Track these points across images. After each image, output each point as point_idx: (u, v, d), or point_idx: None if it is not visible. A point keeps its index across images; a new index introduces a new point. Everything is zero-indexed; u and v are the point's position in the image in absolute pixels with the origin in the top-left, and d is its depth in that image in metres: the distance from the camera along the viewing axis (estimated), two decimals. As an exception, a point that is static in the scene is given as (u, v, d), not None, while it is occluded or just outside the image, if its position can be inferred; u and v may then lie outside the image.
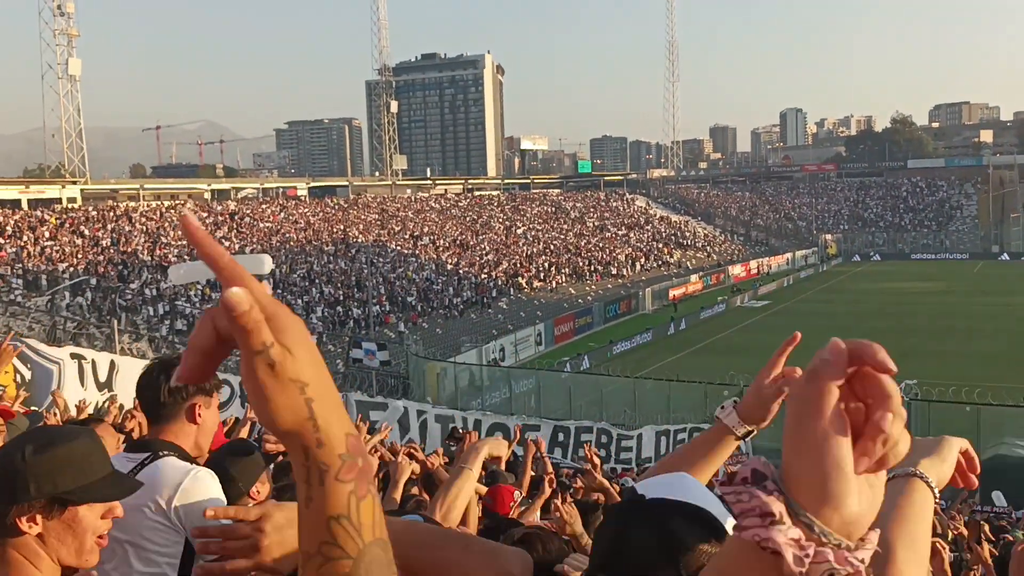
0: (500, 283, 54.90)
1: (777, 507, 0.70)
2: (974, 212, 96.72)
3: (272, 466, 3.56)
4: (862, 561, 0.71)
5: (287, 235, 55.74)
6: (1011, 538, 8.38)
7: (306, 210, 65.27)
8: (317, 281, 47.09)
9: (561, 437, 20.71)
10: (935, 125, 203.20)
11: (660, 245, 77.50)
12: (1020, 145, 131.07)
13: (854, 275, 75.23)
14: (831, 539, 0.70)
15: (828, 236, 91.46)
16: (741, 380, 24.67)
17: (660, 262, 72.10)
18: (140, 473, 2.38)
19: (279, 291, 43.86)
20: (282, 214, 61.87)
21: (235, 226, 55.26)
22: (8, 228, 43.68)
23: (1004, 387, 26.61)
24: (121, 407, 12.31)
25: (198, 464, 2.57)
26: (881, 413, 0.70)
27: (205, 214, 56.61)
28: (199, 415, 2.65)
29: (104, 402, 13.99)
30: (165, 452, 2.49)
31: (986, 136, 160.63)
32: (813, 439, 0.70)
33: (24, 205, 52.15)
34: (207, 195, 69.52)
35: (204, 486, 2.43)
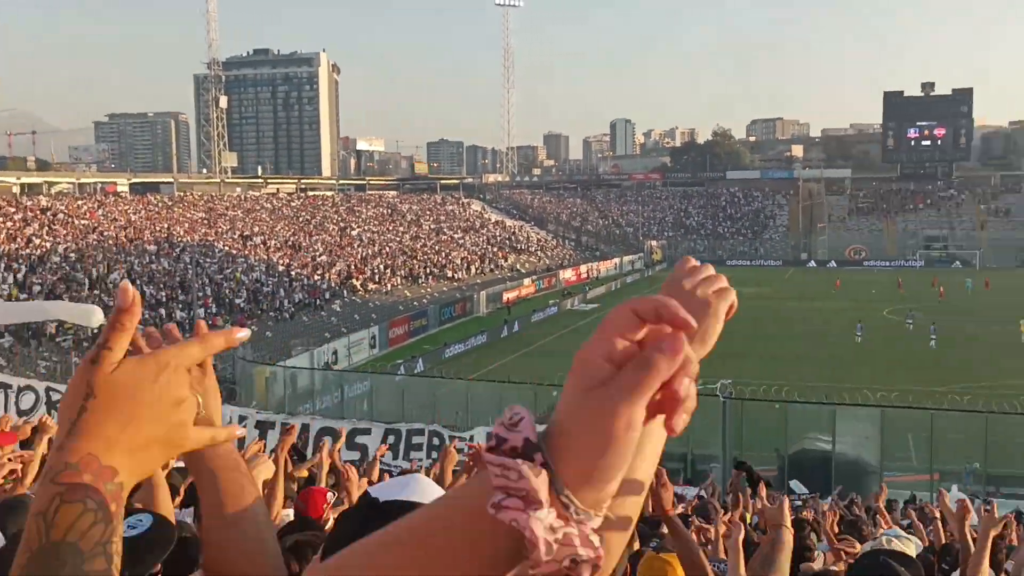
0: (334, 285, 54.05)
1: (543, 491, 0.65)
2: (785, 222, 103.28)
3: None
4: (599, 536, 0.67)
5: (105, 233, 52.81)
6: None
7: (127, 207, 62.08)
8: (137, 282, 44.83)
9: (392, 440, 20.65)
10: (752, 139, 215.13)
11: (495, 249, 78.48)
12: (827, 160, 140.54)
13: (678, 280, 78.68)
14: (580, 516, 0.66)
15: (653, 242, 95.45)
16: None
17: (494, 265, 73.02)
18: None
19: (96, 291, 41.49)
20: (100, 211, 58.57)
21: (48, 223, 51.86)
22: None
23: (810, 386, 28.57)
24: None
25: None
26: (686, 381, 0.66)
27: (13, 209, 52.84)
28: None
29: None
30: None
31: (797, 151, 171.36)
32: (605, 410, 0.66)
33: None
34: (16, 189, 64.98)
35: None
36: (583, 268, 78.85)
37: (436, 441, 21.20)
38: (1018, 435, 22.17)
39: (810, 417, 23.48)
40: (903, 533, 3.63)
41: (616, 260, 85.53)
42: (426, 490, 1.42)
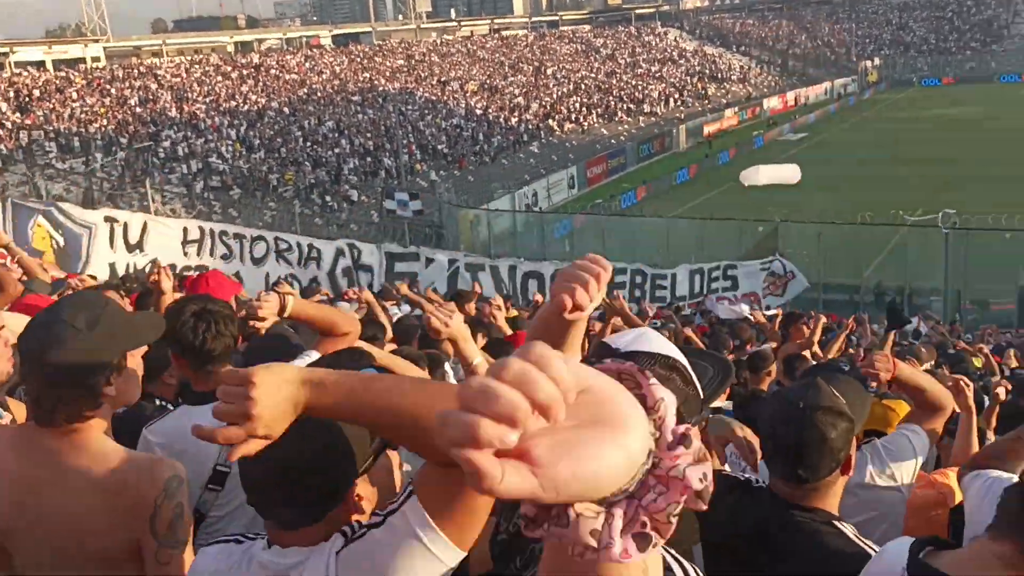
0: (531, 127, 54.11)
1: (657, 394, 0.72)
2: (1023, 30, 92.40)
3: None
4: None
5: (313, 86, 54.94)
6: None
7: (331, 59, 64.03)
8: (347, 132, 46.75)
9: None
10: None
11: (694, 80, 75.42)
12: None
13: (895, 102, 73.04)
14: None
15: (868, 63, 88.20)
16: (778, 216, 24.45)
17: (694, 97, 70.38)
18: None
19: (308, 143, 43.69)
20: (307, 64, 60.79)
21: (261, 79, 54.52)
22: (36, 91, 43.51)
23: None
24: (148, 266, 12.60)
25: None
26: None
27: (229, 68, 55.79)
28: None
29: (141, 265, 14.26)
30: None
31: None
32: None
33: (49, 66, 51.77)
34: (230, 48, 68.42)
35: None
36: (790, 95, 74.57)
37: (639, 279, 21.30)
38: None
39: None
40: None
41: (826, 84, 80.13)
42: (657, 341, 1.46)
